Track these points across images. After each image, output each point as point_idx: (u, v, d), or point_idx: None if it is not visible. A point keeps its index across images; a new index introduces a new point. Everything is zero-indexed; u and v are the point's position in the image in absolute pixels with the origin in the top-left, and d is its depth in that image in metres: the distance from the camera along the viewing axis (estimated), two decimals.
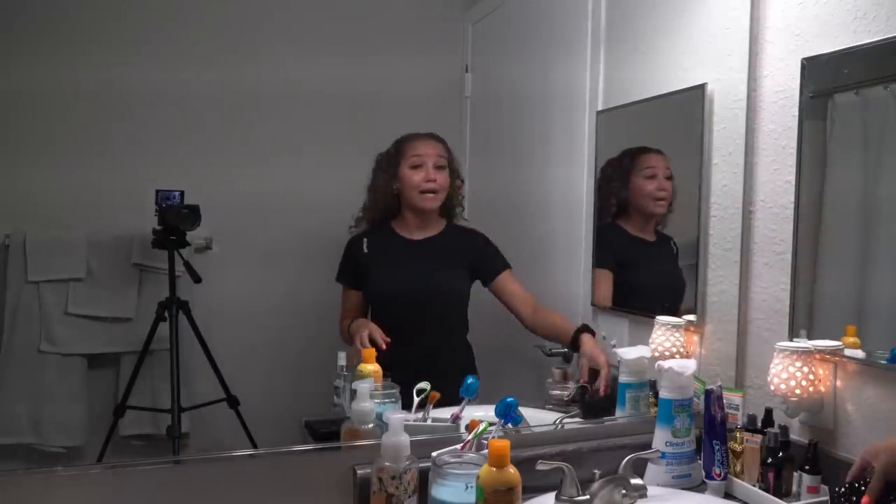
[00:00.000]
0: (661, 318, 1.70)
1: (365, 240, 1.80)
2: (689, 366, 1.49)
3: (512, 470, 1.12)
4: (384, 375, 1.51)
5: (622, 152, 1.85)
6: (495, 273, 1.80)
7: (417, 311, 1.77)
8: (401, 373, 1.54)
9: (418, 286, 1.77)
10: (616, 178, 1.84)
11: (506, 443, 1.13)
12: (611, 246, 1.89)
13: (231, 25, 1.84)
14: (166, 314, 1.68)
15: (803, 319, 1.48)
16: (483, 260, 1.80)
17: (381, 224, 1.82)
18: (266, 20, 1.88)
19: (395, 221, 1.82)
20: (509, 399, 1.46)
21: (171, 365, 1.64)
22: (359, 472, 1.28)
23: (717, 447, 1.43)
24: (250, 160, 1.84)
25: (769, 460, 1.38)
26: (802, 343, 1.44)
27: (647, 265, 1.88)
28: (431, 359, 1.74)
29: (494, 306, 2.15)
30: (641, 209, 1.81)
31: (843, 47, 1.40)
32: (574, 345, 1.73)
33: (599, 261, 1.90)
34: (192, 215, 1.68)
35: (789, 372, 1.40)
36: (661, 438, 1.47)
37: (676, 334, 1.67)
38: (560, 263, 2.03)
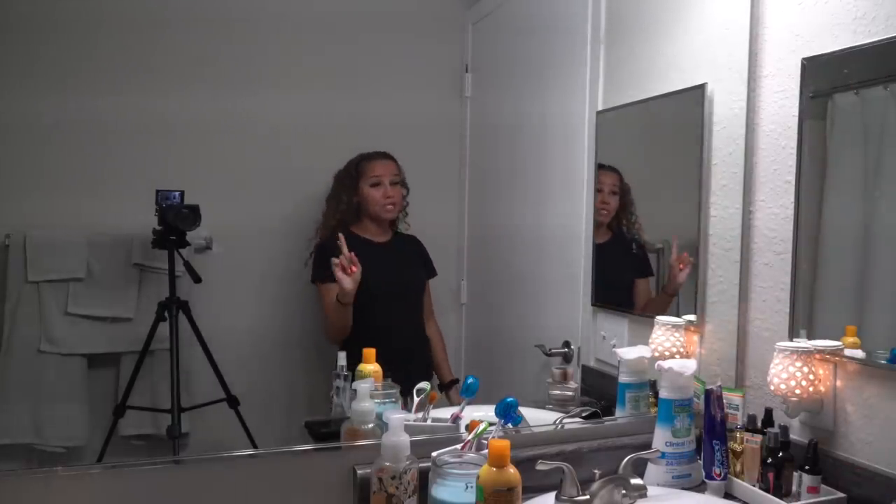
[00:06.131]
0: (660, 318, 1.71)
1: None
2: (689, 366, 1.49)
3: (512, 470, 1.13)
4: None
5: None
6: (426, 278, 2.06)
7: (394, 304, 1.92)
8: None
9: (395, 282, 1.95)
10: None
11: (506, 443, 1.13)
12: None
13: (235, 38, 1.84)
14: (166, 314, 1.68)
15: (803, 319, 1.49)
16: (425, 263, 2.05)
17: (343, 230, 1.89)
18: (269, 31, 1.89)
19: (355, 227, 1.94)
20: (509, 399, 1.46)
21: (171, 365, 1.64)
22: (359, 472, 1.29)
23: (717, 447, 1.43)
24: (251, 160, 1.84)
25: (769, 460, 1.38)
26: (802, 343, 1.44)
27: (612, 265, 1.96)
28: (406, 348, 1.92)
29: (494, 307, 2.15)
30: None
31: (843, 47, 1.40)
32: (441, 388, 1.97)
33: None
34: (192, 215, 1.68)
35: (789, 372, 1.40)
36: (661, 438, 1.47)
37: (676, 334, 1.68)
38: (560, 264, 2.03)
